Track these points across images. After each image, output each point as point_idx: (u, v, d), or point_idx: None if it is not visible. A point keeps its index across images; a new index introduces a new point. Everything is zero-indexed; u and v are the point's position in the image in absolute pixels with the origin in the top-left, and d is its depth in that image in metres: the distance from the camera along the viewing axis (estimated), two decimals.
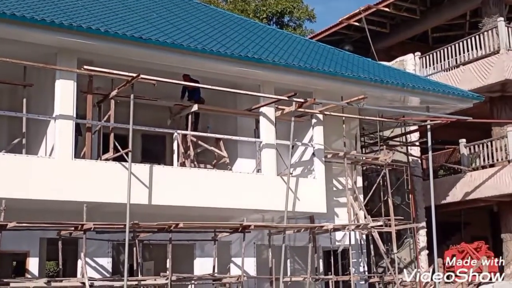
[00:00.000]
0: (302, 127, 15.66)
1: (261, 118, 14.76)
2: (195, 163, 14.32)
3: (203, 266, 13.99)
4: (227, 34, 15.71)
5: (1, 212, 10.62)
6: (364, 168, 18.43)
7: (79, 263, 12.29)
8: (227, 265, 14.55)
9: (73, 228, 11.63)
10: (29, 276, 12.15)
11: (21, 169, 11.37)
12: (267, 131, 14.69)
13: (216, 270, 13.48)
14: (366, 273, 16.90)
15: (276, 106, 14.88)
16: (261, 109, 14.71)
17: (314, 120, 15.56)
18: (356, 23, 24.47)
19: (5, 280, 11.07)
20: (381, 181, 17.83)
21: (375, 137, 19.29)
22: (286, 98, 14.23)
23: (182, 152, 13.95)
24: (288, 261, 15.22)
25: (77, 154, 12.46)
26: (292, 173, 14.67)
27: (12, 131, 13.30)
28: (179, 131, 13.97)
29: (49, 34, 11.67)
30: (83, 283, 11.51)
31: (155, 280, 12.57)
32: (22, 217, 10.96)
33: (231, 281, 13.51)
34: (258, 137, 14.86)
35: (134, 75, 11.96)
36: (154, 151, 15.97)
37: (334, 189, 16.79)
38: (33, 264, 12.31)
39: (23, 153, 11.91)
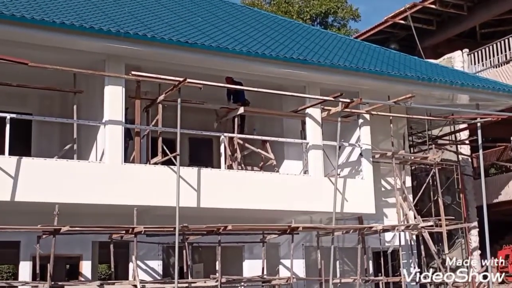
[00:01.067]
0: (348, 127, 15.54)
1: (307, 119, 14.71)
2: (242, 165, 14.36)
3: (252, 268, 14.01)
4: (271, 36, 15.73)
5: (54, 217, 10.86)
6: (413, 167, 18.18)
7: (131, 266, 12.48)
8: (276, 267, 14.54)
9: (124, 232, 11.81)
10: (82, 279, 12.39)
11: (73, 174, 11.61)
12: (313, 132, 14.64)
13: (265, 272, 13.49)
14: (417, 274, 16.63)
15: (322, 107, 14.80)
16: (307, 110, 14.67)
17: (360, 120, 15.43)
18: (402, 21, 24.23)
19: (59, 283, 11.32)
20: (430, 181, 17.57)
21: (424, 136, 19.02)
22: (332, 99, 14.15)
23: (229, 154, 14.01)
24: (337, 262, 15.12)
25: (127, 158, 12.66)
26: (339, 174, 14.58)
27: (64, 137, 13.60)
28: (225, 134, 14.04)
29: (98, 42, 11.92)
30: (135, 286, 11.68)
31: (205, 282, 12.65)
32: (74, 221, 11.20)
33: (281, 283, 13.49)
34: (305, 138, 14.82)
35: (181, 79, 12.08)
36: (201, 154, 16.08)
37: (383, 189, 16.61)
38: (86, 267, 12.56)
39: (75, 159, 12.15)
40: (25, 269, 11.92)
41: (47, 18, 11.46)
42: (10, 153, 11.15)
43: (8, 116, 11.37)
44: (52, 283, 10.93)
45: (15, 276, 15.11)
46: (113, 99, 12.32)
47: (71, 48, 11.97)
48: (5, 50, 11.01)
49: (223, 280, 12.51)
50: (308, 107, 14.62)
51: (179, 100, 12.22)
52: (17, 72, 11.96)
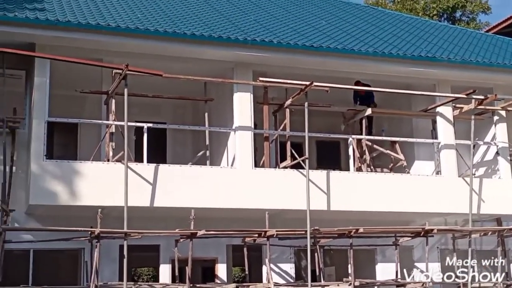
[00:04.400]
0: (483, 125, 14.91)
1: (438, 118, 14.27)
2: (372, 167, 14.17)
3: (385, 271, 13.80)
4: (397, 35, 15.45)
5: (191, 221, 11.28)
6: None
7: (264, 268, 12.67)
8: (410, 270, 14.19)
9: (256, 235, 12.04)
10: (218, 282, 12.76)
11: (206, 180, 11.99)
12: (445, 131, 14.18)
13: (399, 276, 13.22)
14: None
15: (453, 105, 14.31)
16: (438, 109, 14.23)
17: (496, 117, 14.76)
18: None
19: (197, 285, 11.75)
20: None
21: None
22: (465, 96, 13.66)
23: (358, 156, 13.88)
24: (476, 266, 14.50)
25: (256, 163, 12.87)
26: (475, 174, 14.02)
27: (196, 144, 14.11)
28: (353, 136, 13.93)
29: (226, 50, 12.29)
30: None
31: (338, 285, 12.61)
32: (209, 225, 11.56)
33: (416, 286, 13.16)
34: (436, 138, 14.38)
35: (307, 83, 12.13)
36: (329, 157, 16.04)
37: None
38: (221, 270, 12.91)
39: (208, 165, 12.55)
40: (165, 272, 12.47)
41: (178, 30, 11.97)
42: (148, 161, 11.73)
43: (145, 125, 11.98)
44: (191, 285, 11.35)
45: (155, 278, 15.86)
46: (242, 105, 12.61)
47: (201, 58, 12.43)
48: (140, 63, 11.60)
49: (357, 283, 12.41)
50: (439, 105, 14.18)
51: (306, 103, 12.30)
52: (152, 84, 12.57)
